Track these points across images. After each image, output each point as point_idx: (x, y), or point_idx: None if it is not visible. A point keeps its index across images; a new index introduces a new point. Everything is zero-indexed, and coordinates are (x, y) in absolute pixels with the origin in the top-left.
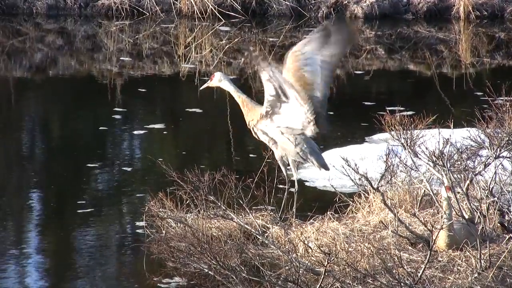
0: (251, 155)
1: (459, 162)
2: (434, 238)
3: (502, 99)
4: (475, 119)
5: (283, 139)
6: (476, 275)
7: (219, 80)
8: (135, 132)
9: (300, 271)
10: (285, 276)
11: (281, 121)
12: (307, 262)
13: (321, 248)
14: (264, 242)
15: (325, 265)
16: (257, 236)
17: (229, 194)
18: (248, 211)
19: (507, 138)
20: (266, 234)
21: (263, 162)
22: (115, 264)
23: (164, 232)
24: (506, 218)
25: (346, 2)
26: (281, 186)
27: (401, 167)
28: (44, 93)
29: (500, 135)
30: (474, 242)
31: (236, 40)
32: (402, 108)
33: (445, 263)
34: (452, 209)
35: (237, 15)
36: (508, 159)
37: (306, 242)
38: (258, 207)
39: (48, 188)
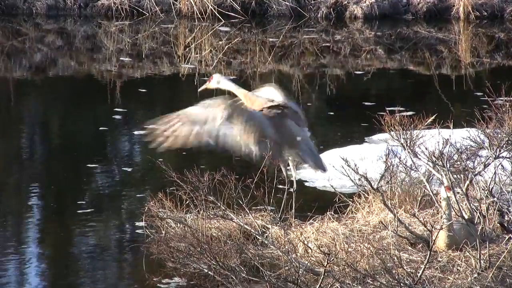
0: None
1: (458, 163)
2: (433, 238)
3: (501, 99)
4: (474, 120)
5: None
6: (475, 275)
7: (217, 82)
8: (135, 132)
9: (300, 271)
10: (285, 276)
11: None
12: (306, 262)
13: (320, 249)
14: (263, 243)
15: (325, 265)
16: (257, 236)
17: (229, 194)
18: (248, 212)
19: (506, 139)
20: (266, 234)
21: (263, 162)
22: (115, 264)
23: (163, 232)
24: (506, 218)
25: (345, 2)
26: (281, 186)
27: (400, 167)
28: (44, 93)
29: (499, 135)
30: (474, 243)
31: (235, 40)
32: (402, 108)
33: (445, 263)
34: (452, 210)
35: (236, 16)
36: (508, 159)
37: (305, 242)
38: (258, 207)
39: (48, 188)
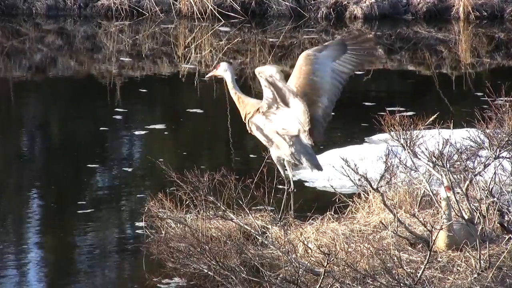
0: (250, 156)
1: (458, 163)
2: (433, 238)
3: (501, 100)
4: (474, 120)
5: (278, 138)
6: (475, 275)
7: (224, 70)
8: (136, 133)
9: (300, 272)
10: (285, 276)
11: (277, 122)
12: (306, 262)
13: (320, 249)
14: (263, 243)
15: (325, 265)
16: (257, 236)
17: (229, 194)
18: (248, 212)
19: (506, 139)
20: (266, 234)
21: (263, 163)
22: (115, 264)
23: (163, 232)
24: (506, 218)
25: (345, 2)
26: (280, 186)
27: (400, 167)
28: (44, 93)
29: (499, 135)
30: (474, 243)
31: (235, 40)
32: (401, 109)
33: (445, 263)
34: (452, 210)
35: (236, 16)
36: (508, 159)
37: (305, 242)
38: (258, 207)
39: (48, 188)
